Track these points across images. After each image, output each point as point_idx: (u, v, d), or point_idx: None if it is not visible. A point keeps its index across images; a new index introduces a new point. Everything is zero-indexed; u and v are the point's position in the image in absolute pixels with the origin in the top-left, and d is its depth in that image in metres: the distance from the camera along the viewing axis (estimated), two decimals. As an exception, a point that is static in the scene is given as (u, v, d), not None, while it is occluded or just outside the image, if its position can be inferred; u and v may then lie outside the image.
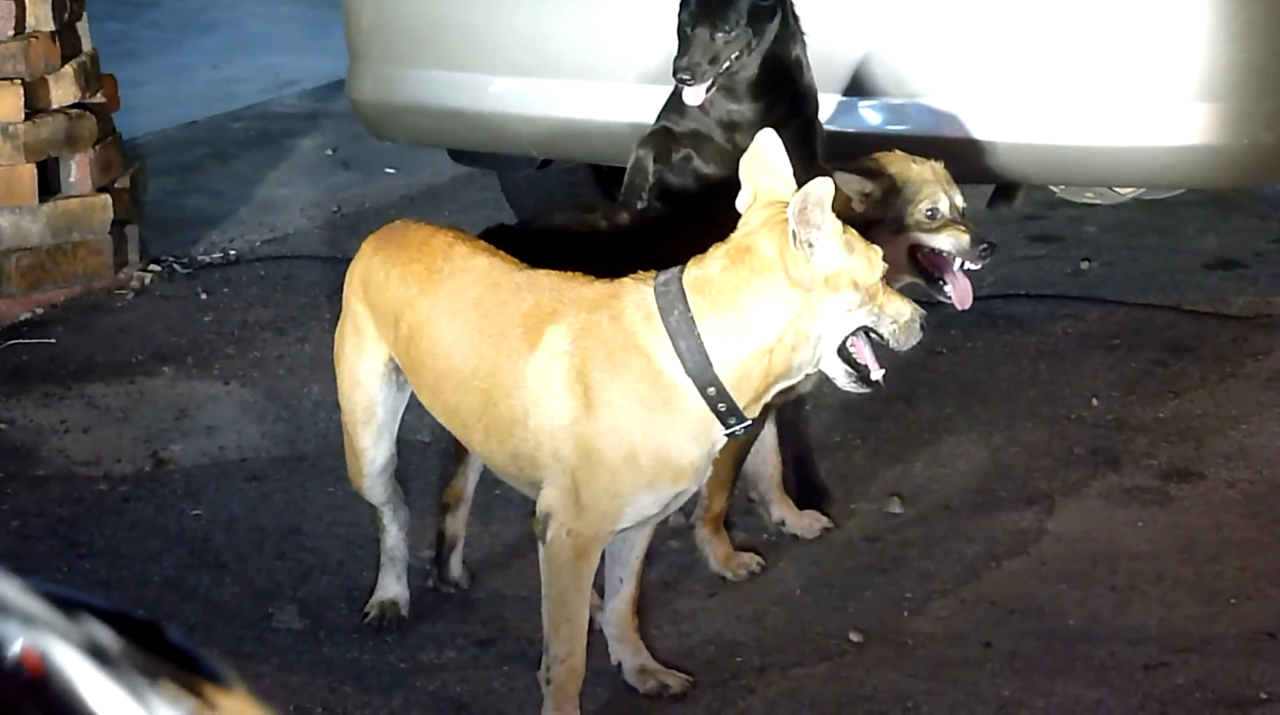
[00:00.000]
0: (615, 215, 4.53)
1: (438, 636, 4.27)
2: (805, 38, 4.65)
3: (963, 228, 4.27)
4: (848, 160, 4.41)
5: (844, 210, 3.67)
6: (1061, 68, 5.16)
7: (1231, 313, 6.04)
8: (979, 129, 5.19)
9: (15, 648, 1.23)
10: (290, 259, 6.78)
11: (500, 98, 5.73)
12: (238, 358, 5.87)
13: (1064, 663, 4.11)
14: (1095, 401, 5.40)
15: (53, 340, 6.01)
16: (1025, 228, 6.87)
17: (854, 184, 4.22)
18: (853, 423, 5.25)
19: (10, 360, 5.86)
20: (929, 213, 4.26)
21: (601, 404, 3.58)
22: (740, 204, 3.62)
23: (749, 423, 3.64)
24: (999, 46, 5.21)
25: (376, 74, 5.97)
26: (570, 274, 3.74)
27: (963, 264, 4.30)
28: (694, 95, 4.50)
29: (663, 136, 4.61)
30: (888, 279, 3.64)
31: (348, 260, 4.14)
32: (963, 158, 5.02)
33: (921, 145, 4.64)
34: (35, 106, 6.24)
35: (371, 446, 4.11)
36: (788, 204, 3.48)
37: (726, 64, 4.49)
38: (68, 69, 6.34)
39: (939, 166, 4.32)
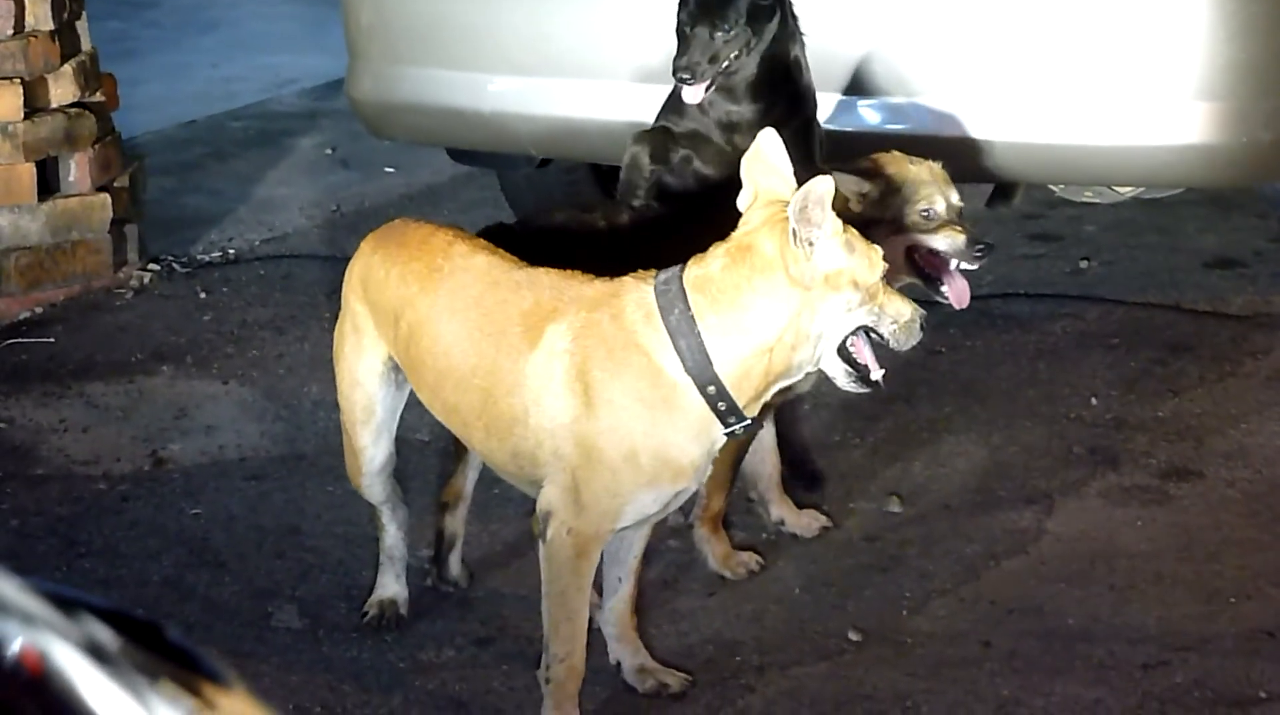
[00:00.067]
0: (614, 215, 4.53)
1: (437, 635, 4.27)
2: (804, 38, 4.65)
3: (959, 228, 4.27)
4: (846, 160, 4.41)
5: (841, 210, 3.66)
6: (1060, 67, 5.16)
7: (1231, 312, 6.04)
8: (978, 128, 5.20)
9: (15, 647, 1.23)
10: (289, 258, 6.79)
11: (499, 97, 5.73)
12: (237, 357, 5.87)
13: (1063, 662, 4.11)
14: (1094, 400, 5.40)
15: (52, 339, 6.01)
16: (1024, 227, 6.87)
17: (851, 184, 4.22)
18: (852, 422, 5.25)
19: (9, 359, 5.86)
20: (925, 213, 4.26)
21: (602, 403, 3.57)
22: (741, 203, 3.62)
23: (748, 422, 3.63)
24: (998, 46, 5.21)
25: (376, 73, 5.97)
26: (570, 272, 3.74)
27: (958, 264, 4.30)
28: (693, 94, 4.50)
29: (660, 135, 4.61)
30: (887, 279, 3.64)
31: (347, 259, 4.14)
32: (962, 157, 5.02)
33: (921, 145, 4.65)
34: (34, 105, 6.24)
35: (370, 445, 4.11)
36: (789, 203, 3.48)
37: (726, 63, 4.49)
38: (67, 68, 6.34)
39: (937, 167, 4.32)
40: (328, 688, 4.07)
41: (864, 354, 3.60)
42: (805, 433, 5.00)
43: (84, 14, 6.57)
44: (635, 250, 3.92)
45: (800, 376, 3.66)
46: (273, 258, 6.79)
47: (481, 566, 4.55)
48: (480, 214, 6.51)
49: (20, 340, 5.99)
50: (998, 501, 4.85)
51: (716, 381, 3.54)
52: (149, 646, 1.29)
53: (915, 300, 3.69)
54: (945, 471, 5.03)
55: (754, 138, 4.54)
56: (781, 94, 4.59)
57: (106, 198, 6.38)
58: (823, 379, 3.78)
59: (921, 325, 3.62)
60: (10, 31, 6.18)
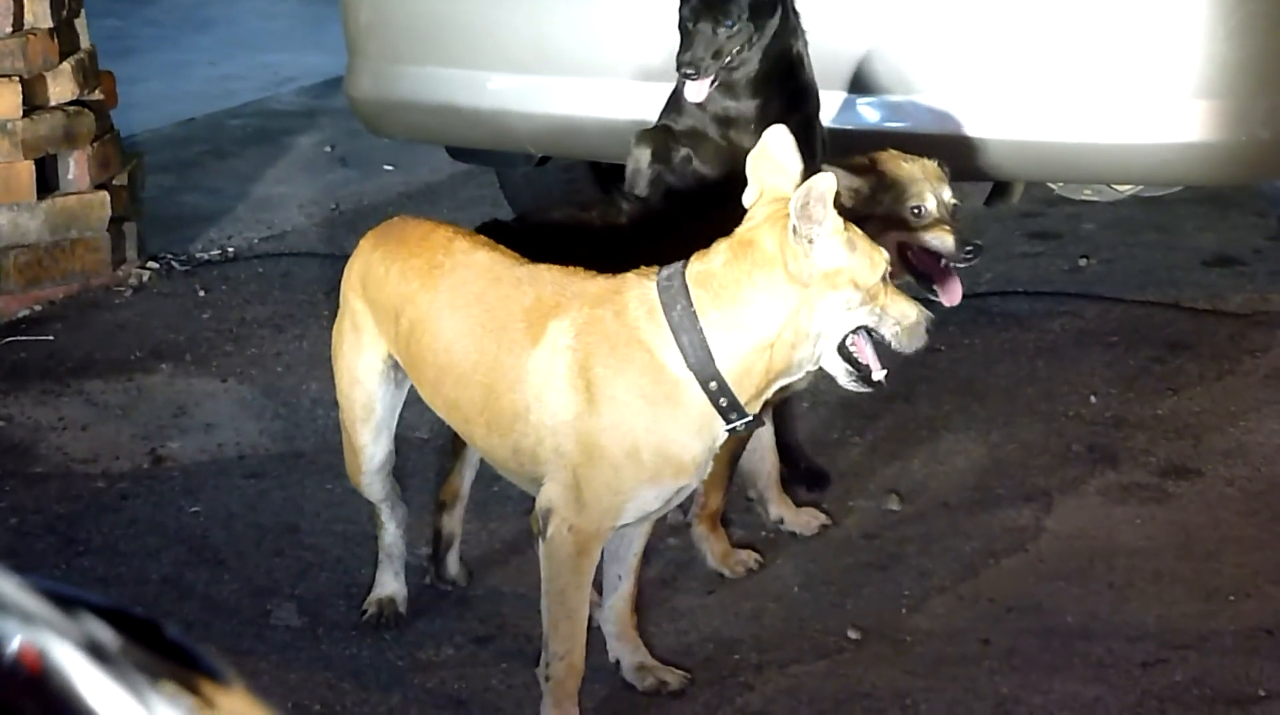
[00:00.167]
0: (611, 212, 4.52)
1: (436, 634, 4.27)
2: (805, 33, 4.65)
3: (949, 228, 4.25)
4: (842, 157, 4.41)
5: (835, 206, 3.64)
6: (1060, 65, 5.16)
7: (1229, 310, 6.04)
8: (978, 126, 5.19)
9: (13, 645, 1.23)
10: (288, 256, 6.79)
11: (498, 95, 5.73)
12: (236, 355, 5.87)
13: (1062, 660, 4.11)
14: (1093, 399, 5.40)
15: (51, 337, 6.01)
16: (1023, 225, 6.87)
17: (843, 179, 4.21)
18: (851, 420, 5.25)
19: (8, 357, 5.86)
20: (916, 210, 4.25)
21: (604, 399, 3.57)
22: (747, 199, 3.62)
23: (749, 418, 3.63)
24: (997, 44, 5.21)
25: (374, 71, 5.97)
26: (572, 269, 3.73)
27: (947, 263, 4.29)
28: (697, 91, 4.49)
29: (661, 133, 4.61)
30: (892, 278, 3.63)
31: (346, 257, 4.14)
32: (962, 155, 5.02)
33: (920, 143, 4.64)
34: (33, 103, 6.24)
35: (370, 443, 4.11)
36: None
37: (729, 59, 4.48)
38: (66, 66, 6.34)
39: (931, 164, 4.31)
40: (327, 686, 4.07)
41: (865, 353, 3.58)
42: (804, 431, 4.99)
43: (82, 12, 6.58)
44: (633, 248, 3.92)
45: (801, 374, 3.66)
46: (271, 256, 6.79)
47: (480, 565, 4.55)
48: (479, 212, 6.51)
49: (19, 338, 5.99)
50: (996, 499, 4.85)
51: (718, 377, 3.54)
52: (148, 645, 1.29)
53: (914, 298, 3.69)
54: (944, 469, 5.03)
55: (753, 134, 4.55)
56: (782, 90, 4.58)
57: (105, 196, 6.38)
58: (821, 377, 3.78)
59: (927, 328, 3.60)
60: (9, 29, 6.18)
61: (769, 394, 3.65)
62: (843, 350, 3.56)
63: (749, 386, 3.56)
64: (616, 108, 5.48)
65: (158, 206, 7.09)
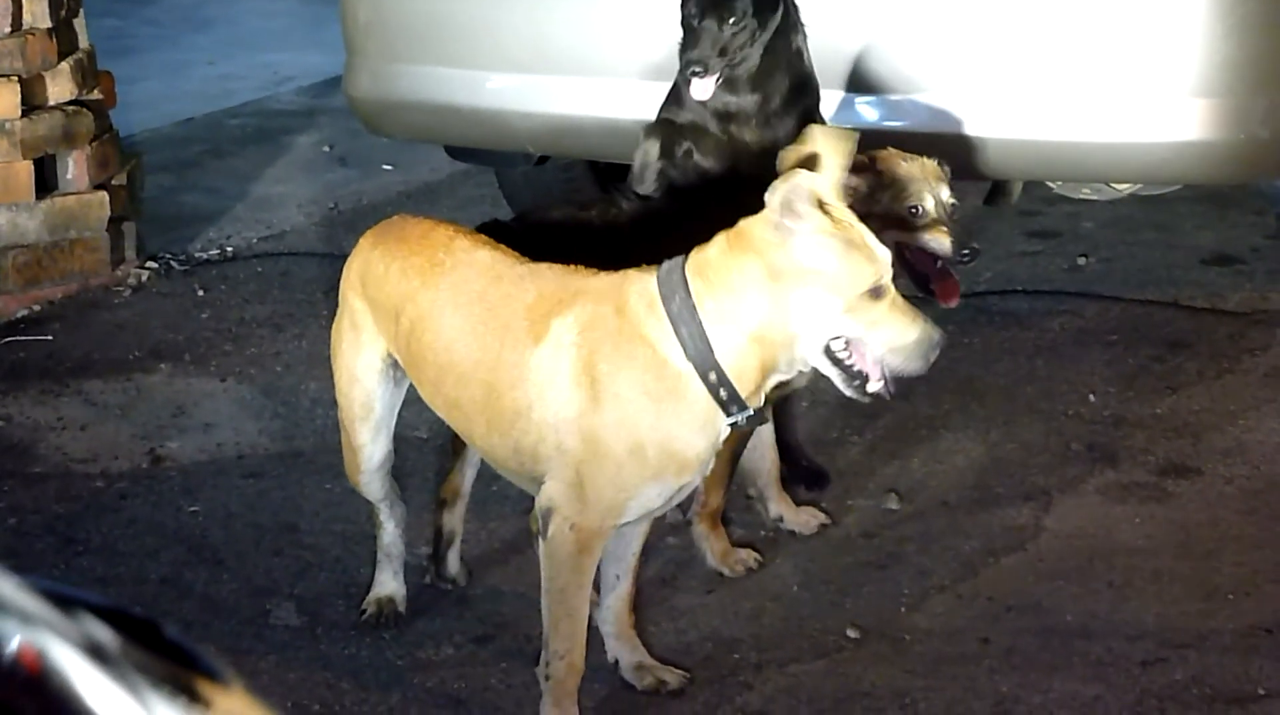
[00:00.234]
0: (610, 210, 4.52)
1: (435, 633, 4.27)
2: (805, 28, 4.65)
3: (945, 229, 4.24)
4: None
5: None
6: (1059, 63, 5.16)
7: (1228, 308, 6.04)
8: (977, 125, 5.19)
9: (12, 645, 1.23)
10: (287, 256, 6.79)
11: (497, 94, 5.73)
12: (235, 355, 5.87)
13: (1061, 659, 4.11)
14: (1092, 397, 5.40)
15: (50, 337, 6.01)
16: (1022, 223, 6.87)
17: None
18: (850, 419, 5.25)
19: (7, 357, 5.86)
20: (913, 210, 4.23)
21: (608, 396, 3.55)
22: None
23: (750, 412, 3.59)
24: (996, 43, 5.21)
25: (373, 70, 5.97)
26: (574, 267, 3.72)
27: (944, 264, 4.28)
28: (703, 89, 4.49)
29: (667, 128, 4.60)
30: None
31: (345, 257, 4.13)
32: (961, 154, 5.02)
33: (919, 142, 4.64)
34: (32, 103, 6.24)
35: (369, 442, 4.10)
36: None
37: (734, 55, 4.48)
38: (64, 66, 6.34)
39: (930, 163, 4.30)
40: (326, 685, 4.07)
41: (864, 362, 3.53)
42: (804, 430, 4.99)
43: (81, 12, 6.58)
44: (633, 246, 3.91)
45: (795, 372, 3.63)
46: (270, 255, 6.79)
47: (480, 564, 4.55)
48: (478, 211, 6.51)
49: (18, 338, 5.99)
50: (996, 498, 4.85)
51: (717, 368, 3.51)
52: (147, 645, 1.28)
53: (910, 297, 3.65)
54: (943, 468, 5.03)
55: (754, 129, 4.55)
56: (782, 85, 4.58)
57: (104, 196, 6.38)
58: (820, 375, 3.77)
59: (929, 353, 3.52)
60: (8, 29, 6.18)
61: (768, 388, 3.62)
62: (832, 356, 3.49)
63: (747, 379, 3.53)
64: (615, 107, 5.48)
65: (157, 206, 7.09)
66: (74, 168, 6.34)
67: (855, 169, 4.22)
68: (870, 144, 4.47)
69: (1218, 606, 4.31)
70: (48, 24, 6.28)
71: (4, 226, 6.20)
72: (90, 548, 4.68)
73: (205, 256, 6.76)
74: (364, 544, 4.47)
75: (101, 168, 6.43)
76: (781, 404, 4.65)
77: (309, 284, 6.43)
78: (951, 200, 4.28)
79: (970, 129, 5.19)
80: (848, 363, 3.51)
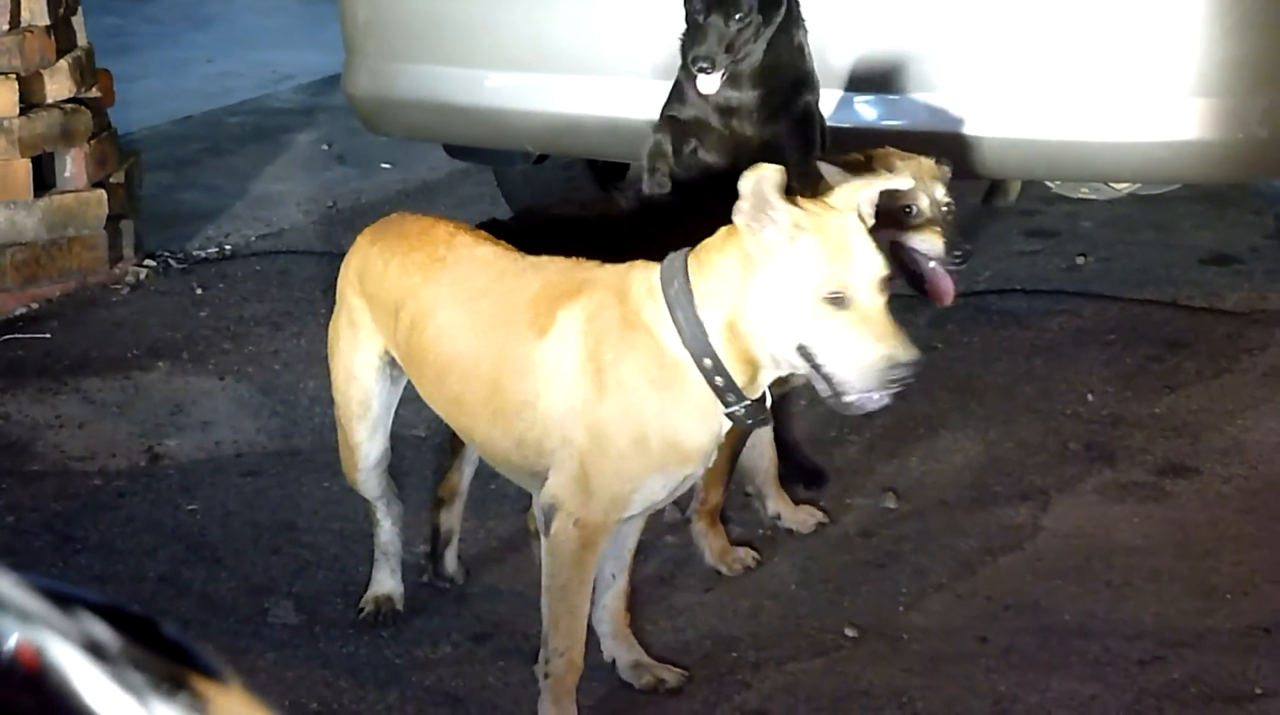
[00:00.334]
0: (610, 209, 4.52)
1: (433, 631, 4.27)
2: (806, 23, 4.65)
3: (939, 230, 4.23)
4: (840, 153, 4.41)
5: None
6: (1058, 63, 5.16)
7: (1227, 308, 6.04)
8: (975, 124, 5.20)
9: (10, 643, 1.23)
10: (286, 254, 6.79)
11: (496, 92, 5.73)
12: (233, 353, 5.87)
13: (1059, 658, 4.11)
14: (1091, 397, 5.40)
15: (48, 335, 6.01)
16: (1021, 223, 6.87)
17: (836, 176, 4.20)
18: (848, 418, 5.24)
19: (5, 355, 5.86)
20: (907, 210, 4.22)
21: (613, 386, 3.53)
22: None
23: (749, 403, 3.54)
24: (995, 42, 5.21)
25: (372, 69, 5.97)
26: (578, 259, 3.71)
27: (934, 265, 4.27)
28: (709, 84, 4.49)
29: (673, 125, 4.61)
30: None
31: (343, 255, 4.13)
32: (959, 153, 5.02)
33: (918, 141, 4.64)
34: (30, 101, 6.23)
35: (366, 441, 4.10)
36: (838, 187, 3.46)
37: (740, 51, 4.48)
38: (63, 63, 6.34)
39: (927, 163, 4.28)
40: (324, 684, 4.07)
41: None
42: (802, 428, 4.99)
43: (80, 9, 6.58)
44: (632, 242, 3.91)
45: (785, 370, 3.57)
46: (269, 253, 6.79)
47: (478, 562, 4.54)
48: (477, 209, 6.51)
49: (16, 336, 5.99)
50: (994, 497, 4.85)
51: (711, 354, 3.47)
52: (145, 643, 1.28)
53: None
54: (941, 467, 5.03)
55: (755, 123, 4.55)
56: (784, 80, 4.58)
57: (102, 193, 6.38)
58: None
59: (887, 375, 3.32)
60: (6, 27, 6.18)
61: (765, 383, 3.58)
62: (809, 358, 3.39)
63: (738, 369, 3.50)
64: (614, 106, 5.48)
65: (155, 204, 7.09)
66: (72, 166, 6.34)
67: (851, 167, 4.21)
68: (869, 143, 4.48)
69: (1215, 606, 4.31)
70: (46, 21, 6.27)
71: (2, 224, 6.19)
72: (88, 546, 4.68)
73: (204, 254, 6.76)
74: (362, 542, 4.47)
75: (100, 166, 6.43)
76: (779, 402, 4.65)
77: (307, 282, 6.43)
78: (947, 200, 4.26)
79: (969, 128, 5.19)
80: (826, 370, 3.40)
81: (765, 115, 4.56)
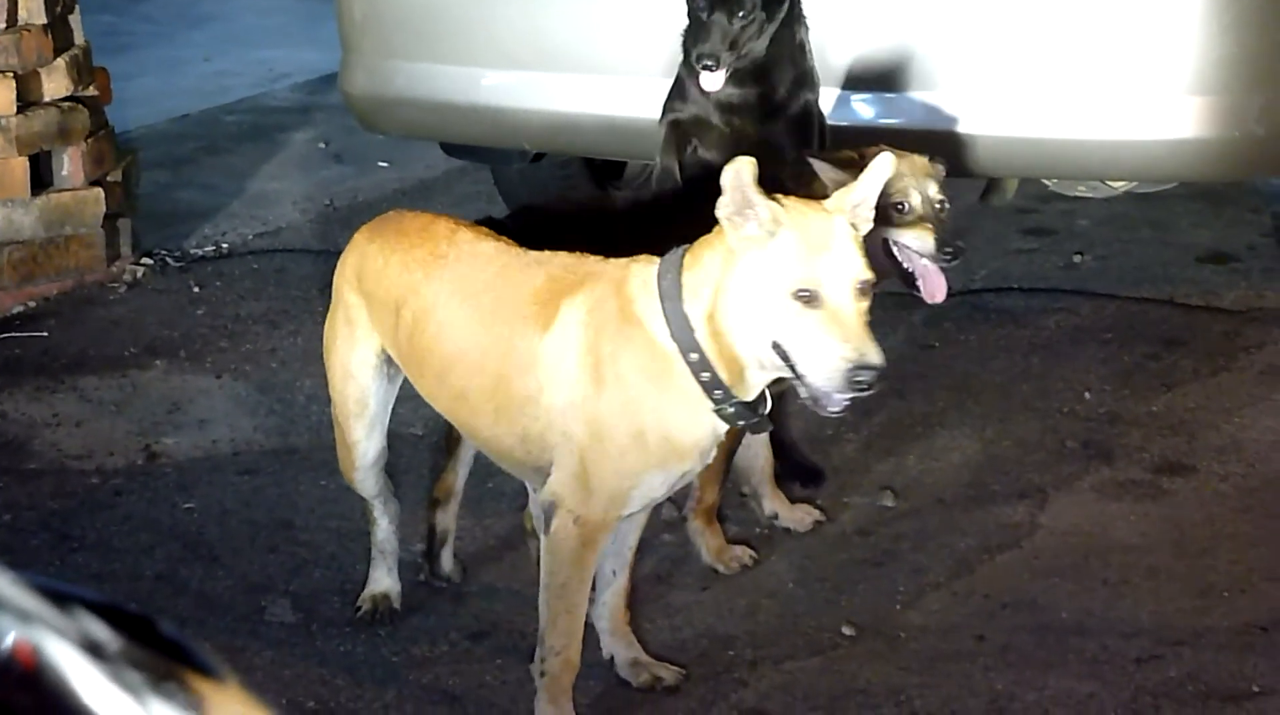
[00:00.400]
0: (608, 208, 4.52)
1: (430, 630, 4.27)
2: (807, 20, 4.65)
3: (930, 227, 4.22)
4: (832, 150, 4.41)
5: (820, 198, 3.59)
6: (1055, 62, 5.16)
7: (1224, 306, 6.04)
8: (972, 123, 5.20)
9: (7, 641, 1.23)
10: (282, 252, 6.78)
11: (493, 91, 5.73)
12: (230, 351, 5.86)
13: (1056, 656, 4.11)
14: (1088, 395, 5.40)
15: (45, 333, 6.00)
16: (1018, 221, 6.87)
17: (829, 173, 4.20)
18: (845, 416, 5.23)
19: (2, 354, 5.86)
20: (899, 207, 4.22)
21: (611, 379, 3.53)
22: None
23: (739, 403, 3.52)
24: (992, 41, 5.21)
25: (369, 67, 5.97)
26: (581, 254, 3.71)
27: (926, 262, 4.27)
28: (713, 82, 4.48)
29: (678, 123, 4.61)
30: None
31: (340, 253, 4.13)
32: (956, 151, 5.03)
33: (915, 139, 4.65)
34: (27, 99, 6.23)
35: (364, 439, 4.10)
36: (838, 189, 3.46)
37: (742, 49, 4.48)
38: (60, 62, 6.34)
39: (920, 160, 4.28)
40: (321, 682, 4.07)
41: None
42: (798, 427, 4.99)
43: (77, 8, 6.57)
44: (629, 241, 3.90)
45: (772, 372, 3.54)
46: (266, 252, 6.79)
47: (475, 561, 4.54)
48: (474, 208, 6.51)
49: (13, 334, 5.99)
50: (991, 496, 4.85)
51: (697, 348, 3.47)
52: (142, 641, 1.28)
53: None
54: (939, 466, 5.03)
55: (756, 120, 4.55)
56: (785, 77, 4.58)
57: (99, 192, 6.38)
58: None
59: (850, 378, 3.28)
60: (3, 25, 6.18)
61: (758, 384, 3.55)
62: (785, 357, 3.37)
63: (725, 364, 3.47)
64: (611, 104, 5.48)
65: (152, 203, 7.09)
66: (69, 164, 6.34)
67: (844, 164, 4.21)
68: (867, 141, 4.48)
69: (1213, 604, 4.31)
70: (43, 20, 6.27)
71: (-1, 223, 6.20)
72: (85, 544, 4.68)
73: (201, 253, 6.76)
74: (359, 541, 4.47)
75: (97, 164, 6.42)
76: (776, 401, 4.65)
77: (304, 281, 6.42)
78: (939, 197, 4.26)
79: (965, 126, 5.19)
80: (799, 370, 3.37)
81: (765, 112, 4.56)
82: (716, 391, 3.50)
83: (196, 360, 5.80)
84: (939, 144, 4.69)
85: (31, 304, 6.23)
